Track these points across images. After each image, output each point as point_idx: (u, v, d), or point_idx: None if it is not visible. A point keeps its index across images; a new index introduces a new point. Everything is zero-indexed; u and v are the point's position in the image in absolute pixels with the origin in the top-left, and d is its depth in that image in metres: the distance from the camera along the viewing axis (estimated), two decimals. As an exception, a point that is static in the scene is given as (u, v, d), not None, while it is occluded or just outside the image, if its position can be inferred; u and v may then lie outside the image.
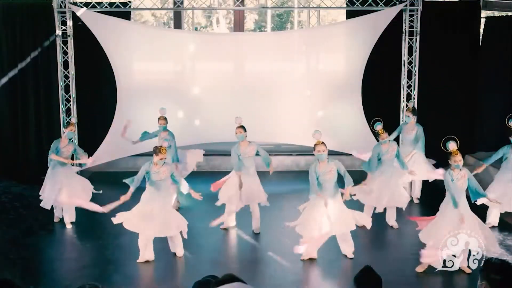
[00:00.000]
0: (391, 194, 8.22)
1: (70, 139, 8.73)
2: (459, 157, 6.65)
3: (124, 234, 7.73)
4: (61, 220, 8.68)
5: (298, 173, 11.86)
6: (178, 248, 7.33)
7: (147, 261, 7.16)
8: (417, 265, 6.82)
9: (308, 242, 6.98)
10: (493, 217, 8.36)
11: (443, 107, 11.44)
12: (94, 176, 11.22)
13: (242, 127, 8.16)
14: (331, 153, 11.58)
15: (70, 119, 9.22)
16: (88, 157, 8.98)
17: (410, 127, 9.49)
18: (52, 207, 8.68)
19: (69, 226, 8.52)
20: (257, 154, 8.21)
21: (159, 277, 6.94)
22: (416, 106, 11.07)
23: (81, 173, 9.95)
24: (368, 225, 7.45)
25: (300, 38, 11.82)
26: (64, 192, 8.37)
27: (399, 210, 8.44)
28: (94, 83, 11.57)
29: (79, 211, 8.70)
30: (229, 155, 11.97)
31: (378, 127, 8.47)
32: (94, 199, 8.98)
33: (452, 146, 6.73)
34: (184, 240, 7.33)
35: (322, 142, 7.05)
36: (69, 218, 8.61)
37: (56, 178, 8.48)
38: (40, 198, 8.66)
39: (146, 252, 7.17)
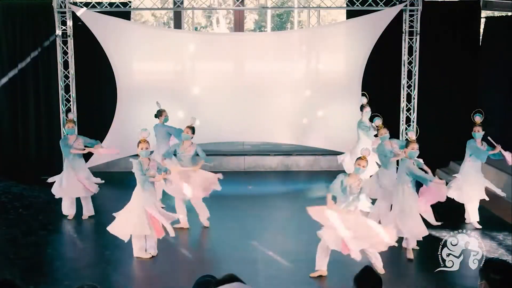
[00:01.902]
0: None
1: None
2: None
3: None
4: (74, 216, 8.82)
5: (298, 173, 11.88)
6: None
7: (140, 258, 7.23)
8: (418, 265, 6.87)
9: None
10: (472, 215, 8.41)
11: (443, 107, 11.44)
12: (94, 176, 11.21)
13: (192, 128, 8.25)
14: (331, 153, 11.72)
15: (67, 116, 9.28)
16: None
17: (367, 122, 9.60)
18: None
19: (85, 218, 8.73)
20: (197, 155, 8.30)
21: (158, 277, 6.93)
22: (416, 106, 11.08)
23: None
24: None
25: (300, 38, 11.82)
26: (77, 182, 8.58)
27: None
28: (94, 83, 11.58)
29: (80, 209, 8.74)
30: (229, 155, 12.15)
31: (377, 122, 8.46)
32: (95, 199, 9.01)
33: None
34: (184, 240, 7.33)
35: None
36: (88, 211, 8.79)
37: (73, 171, 8.62)
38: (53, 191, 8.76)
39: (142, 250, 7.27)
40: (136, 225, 7.03)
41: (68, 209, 8.78)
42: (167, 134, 9.26)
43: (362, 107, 10.03)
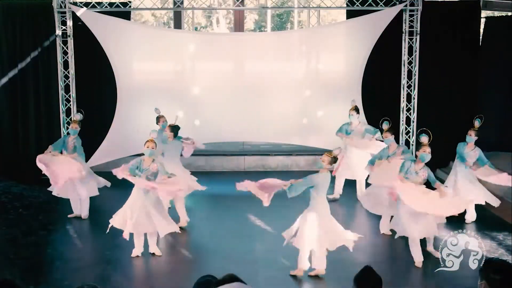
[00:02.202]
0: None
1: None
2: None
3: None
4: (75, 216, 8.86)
5: (298, 173, 11.85)
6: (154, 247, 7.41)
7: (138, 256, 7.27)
8: (417, 265, 6.88)
9: None
10: (470, 213, 8.47)
11: (443, 107, 11.44)
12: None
13: (174, 127, 8.36)
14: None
15: (73, 116, 9.33)
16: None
17: (355, 125, 9.54)
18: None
19: (84, 218, 8.77)
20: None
21: (158, 277, 6.94)
22: (416, 106, 11.08)
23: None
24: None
25: (300, 38, 11.82)
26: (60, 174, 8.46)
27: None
28: (94, 83, 11.57)
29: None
30: (229, 155, 12.14)
31: (385, 126, 8.46)
32: (95, 199, 9.00)
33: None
34: (185, 240, 7.34)
35: None
36: (83, 211, 8.80)
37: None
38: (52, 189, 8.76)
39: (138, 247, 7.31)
40: (117, 218, 7.21)
41: (73, 207, 8.86)
42: (163, 142, 9.18)
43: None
